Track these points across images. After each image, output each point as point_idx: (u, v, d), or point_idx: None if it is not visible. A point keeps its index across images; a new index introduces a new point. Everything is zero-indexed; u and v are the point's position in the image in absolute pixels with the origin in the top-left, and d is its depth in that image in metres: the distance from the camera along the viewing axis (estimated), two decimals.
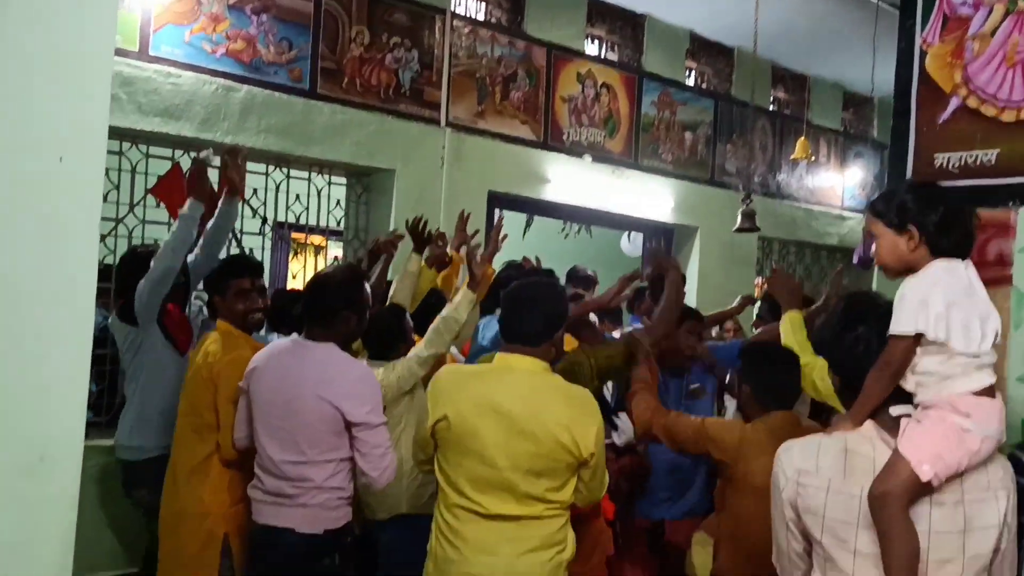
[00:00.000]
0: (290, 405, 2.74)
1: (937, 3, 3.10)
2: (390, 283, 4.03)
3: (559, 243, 7.44)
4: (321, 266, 5.58)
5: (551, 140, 6.45)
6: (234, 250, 5.01)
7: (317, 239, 5.79)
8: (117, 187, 4.59)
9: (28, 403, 1.36)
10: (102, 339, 4.35)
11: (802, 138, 6.86)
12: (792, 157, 7.34)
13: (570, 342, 3.06)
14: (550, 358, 2.56)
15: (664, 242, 7.59)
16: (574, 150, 6.58)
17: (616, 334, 3.77)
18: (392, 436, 3.04)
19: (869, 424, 1.78)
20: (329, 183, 5.52)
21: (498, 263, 4.21)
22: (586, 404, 2.49)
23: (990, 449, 1.72)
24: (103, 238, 4.49)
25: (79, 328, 1.43)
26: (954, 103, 3.21)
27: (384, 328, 3.36)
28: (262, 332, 3.86)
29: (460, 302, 3.29)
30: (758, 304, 5.05)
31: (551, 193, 6.40)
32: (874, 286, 5.70)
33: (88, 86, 1.42)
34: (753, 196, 6.68)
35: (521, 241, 6.96)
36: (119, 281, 3.57)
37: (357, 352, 3.48)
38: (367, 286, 3.02)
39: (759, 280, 8.23)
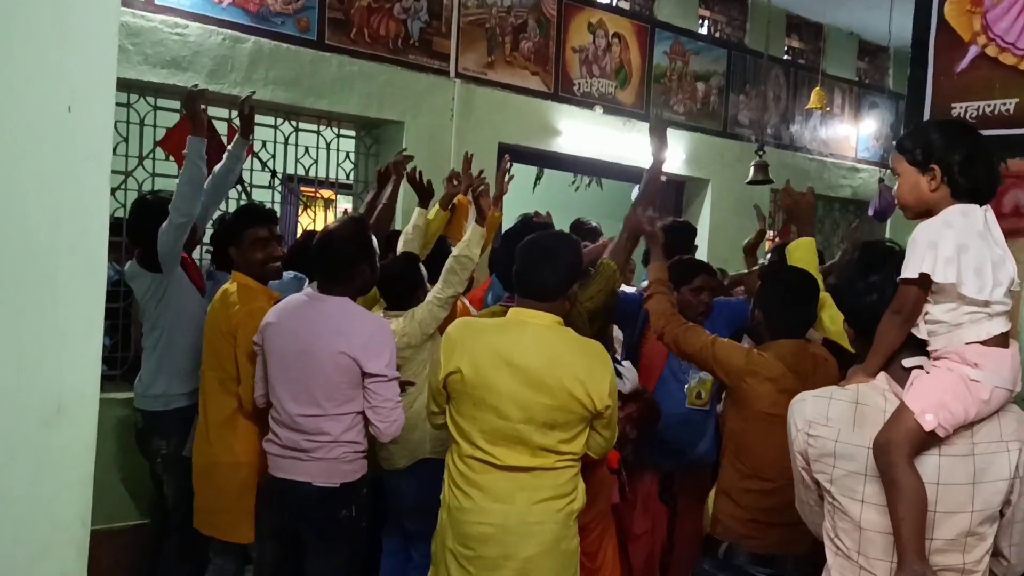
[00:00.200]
0: (307, 359, 2.76)
1: None
2: (396, 233, 4.03)
3: (569, 196, 7.39)
4: (331, 220, 5.57)
5: (562, 91, 6.38)
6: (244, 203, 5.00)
7: (326, 193, 5.77)
8: (126, 140, 4.57)
9: (44, 355, 1.37)
10: (114, 293, 4.38)
11: (817, 88, 6.76)
12: (807, 107, 7.24)
13: None
14: (564, 312, 2.56)
15: (675, 194, 7.54)
16: (585, 101, 6.51)
17: (630, 289, 3.76)
18: (419, 380, 3.07)
19: (882, 376, 1.78)
20: (338, 136, 5.49)
21: (509, 216, 4.21)
22: (599, 357, 2.51)
23: (1002, 399, 1.71)
24: (113, 191, 4.48)
25: (92, 281, 1.43)
26: (973, 52, 3.15)
27: (400, 278, 3.37)
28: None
29: (471, 239, 3.32)
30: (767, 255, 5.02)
31: (561, 145, 6.34)
32: (887, 230, 5.67)
33: (95, 33, 1.41)
34: (766, 148, 6.61)
35: (531, 194, 6.92)
36: (132, 230, 3.51)
37: (371, 304, 3.50)
38: (374, 237, 3.02)
39: (771, 234, 8.18)
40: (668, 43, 7.08)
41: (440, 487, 2.62)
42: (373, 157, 5.68)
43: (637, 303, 3.48)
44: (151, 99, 4.69)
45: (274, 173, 5.23)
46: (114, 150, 3.86)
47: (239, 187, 4.79)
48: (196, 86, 3.43)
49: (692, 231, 4.77)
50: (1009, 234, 2.88)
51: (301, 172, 5.34)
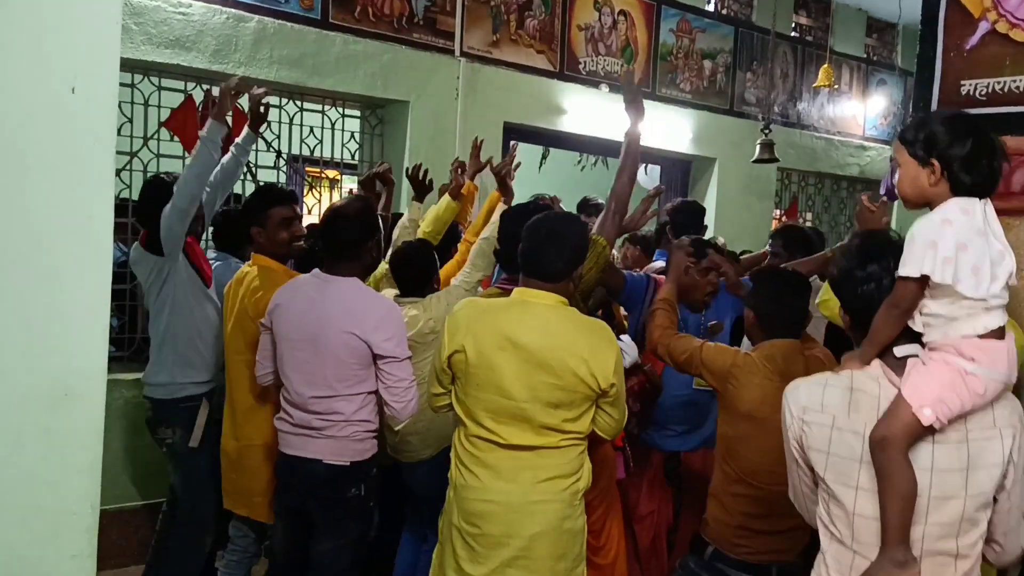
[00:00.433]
0: (318, 340, 2.77)
1: None
2: (396, 216, 4.02)
3: (575, 175, 7.37)
4: (336, 200, 5.56)
5: (567, 70, 6.34)
6: (249, 185, 5.00)
7: (331, 173, 5.76)
8: (130, 120, 4.56)
9: (50, 338, 1.37)
10: (121, 275, 4.38)
11: (825, 65, 6.71)
12: (815, 85, 7.19)
13: None
14: (569, 293, 2.56)
15: (681, 173, 7.50)
16: (591, 80, 6.47)
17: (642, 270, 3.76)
18: None
19: (876, 363, 1.79)
20: (343, 115, 5.47)
21: (517, 196, 4.19)
22: (603, 336, 2.51)
23: (996, 391, 1.72)
24: (118, 172, 4.48)
25: (98, 263, 1.43)
26: (983, 28, 3.12)
27: (415, 264, 3.35)
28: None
29: (497, 221, 3.32)
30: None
31: (567, 124, 6.31)
32: (894, 218, 5.64)
33: (98, 13, 1.40)
34: (773, 126, 6.57)
35: (537, 174, 6.91)
36: (141, 211, 3.45)
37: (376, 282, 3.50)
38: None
39: (777, 213, 8.15)
40: (675, 20, 7.03)
41: None
42: (378, 137, 5.66)
43: (644, 286, 3.47)
44: (155, 79, 4.68)
45: (279, 153, 5.22)
46: (118, 131, 3.84)
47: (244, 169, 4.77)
48: (235, 78, 3.37)
49: (701, 211, 4.75)
50: (1019, 213, 2.86)
51: (306, 152, 5.34)
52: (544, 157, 7.17)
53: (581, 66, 6.42)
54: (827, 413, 1.77)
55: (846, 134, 8.54)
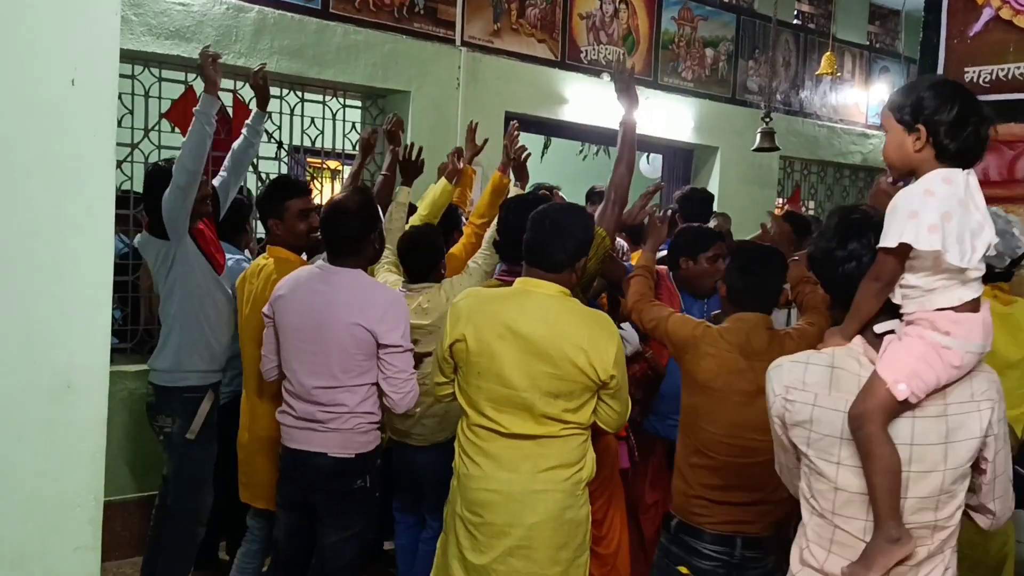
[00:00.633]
0: (322, 332, 2.77)
1: None
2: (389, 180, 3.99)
3: (577, 165, 7.36)
4: (338, 191, 5.55)
5: (568, 59, 6.31)
6: (250, 176, 4.99)
7: (333, 163, 5.75)
8: (131, 112, 4.56)
9: (53, 331, 1.37)
10: (123, 266, 4.39)
11: (828, 53, 6.69)
12: (817, 73, 7.17)
13: None
14: (571, 284, 2.56)
15: (683, 162, 7.49)
16: (592, 69, 6.44)
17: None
18: None
19: (858, 340, 1.80)
20: (344, 106, 5.46)
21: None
22: (604, 327, 2.51)
23: (972, 363, 1.72)
24: (119, 164, 4.47)
25: (99, 256, 1.43)
26: (986, 14, 3.10)
27: (423, 250, 3.35)
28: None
29: None
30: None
31: (569, 113, 6.30)
32: None
33: (97, 4, 1.39)
34: (775, 114, 6.56)
35: (539, 163, 6.89)
36: (147, 197, 3.40)
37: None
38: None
39: (780, 201, 8.14)
40: (676, 8, 7.00)
41: None
42: (387, 116, 5.63)
43: None
44: (155, 70, 4.66)
45: (280, 144, 5.21)
46: (119, 122, 3.84)
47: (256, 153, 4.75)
48: (208, 47, 3.33)
49: (709, 199, 4.76)
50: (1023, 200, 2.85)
51: (307, 143, 5.32)
52: (546, 147, 7.15)
53: (583, 55, 6.39)
54: (809, 391, 1.79)
55: (848, 122, 8.51)
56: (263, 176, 5.09)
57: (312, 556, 2.95)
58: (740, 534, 2.48)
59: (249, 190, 4.92)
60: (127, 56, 4.38)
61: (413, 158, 3.85)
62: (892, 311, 1.75)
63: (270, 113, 5.02)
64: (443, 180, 3.84)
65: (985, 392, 1.76)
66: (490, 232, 3.35)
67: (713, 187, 7.32)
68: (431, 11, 5.52)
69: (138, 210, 4.50)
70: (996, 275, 2.61)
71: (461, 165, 3.89)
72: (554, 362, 2.43)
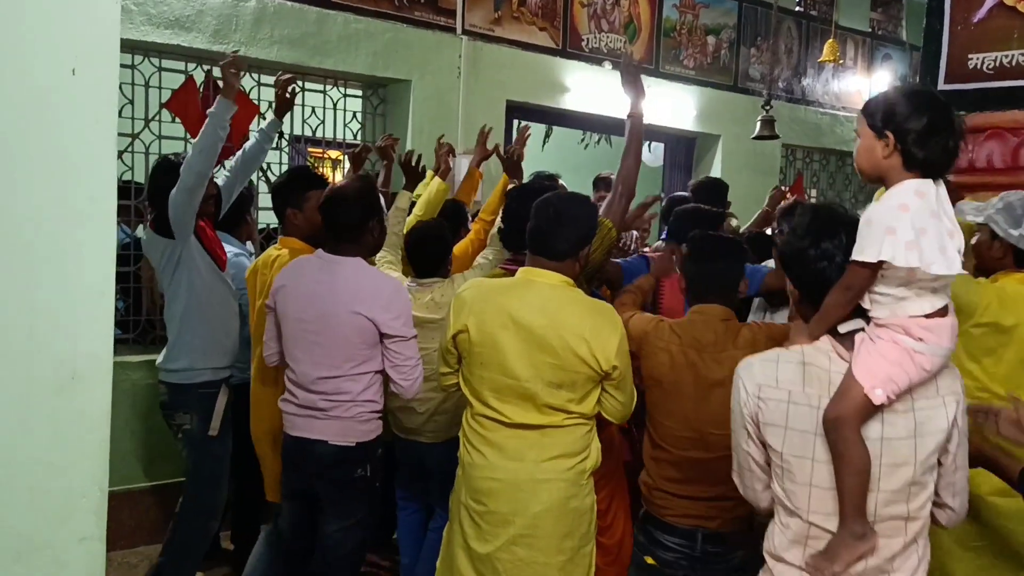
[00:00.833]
0: (324, 321, 2.77)
1: None
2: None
3: (579, 153, 7.34)
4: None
5: (570, 47, 6.29)
6: None
7: (334, 153, 5.74)
8: (131, 102, 4.54)
9: (56, 322, 1.37)
10: (125, 256, 4.38)
11: (830, 40, 6.66)
12: (820, 60, 7.13)
13: None
14: (574, 273, 2.55)
15: (685, 151, 7.47)
16: (594, 57, 6.42)
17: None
18: None
19: (825, 336, 1.82)
20: (345, 95, 5.44)
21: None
22: (607, 317, 2.50)
23: (941, 364, 1.76)
24: (119, 155, 4.47)
25: (102, 246, 1.43)
26: (991, 1, 3.08)
27: (435, 245, 3.37)
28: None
29: None
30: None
31: (570, 102, 6.27)
32: None
33: None
34: (778, 102, 6.54)
35: (540, 152, 6.87)
36: (152, 192, 3.41)
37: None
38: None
39: (784, 189, 8.10)
40: None
41: None
42: (380, 117, 5.63)
43: (642, 269, 3.44)
44: (155, 60, 4.65)
45: (281, 134, 5.19)
46: (119, 112, 3.83)
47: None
48: (237, 52, 3.34)
49: (724, 189, 4.77)
50: None
51: (308, 133, 5.31)
52: (547, 135, 7.13)
53: (584, 43, 6.37)
54: (782, 388, 1.80)
55: (851, 110, 8.47)
56: (264, 166, 5.08)
57: (314, 545, 2.95)
58: (701, 528, 2.48)
59: (251, 180, 4.91)
60: (127, 46, 4.37)
61: (413, 164, 3.84)
62: (857, 310, 1.78)
63: (269, 103, 5.03)
64: (437, 179, 3.83)
65: (949, 387, 1.80)
66: (494, 231, 3.35)
67: (715, 175, 7.30)
68: (431, 0, 5.50)
69: (139, 200, 4.52)
70: None
71: (452, 162, 3.90)
72: (556, 352, 2.43)
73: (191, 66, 4.74)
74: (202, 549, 3.45)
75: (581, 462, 2.52)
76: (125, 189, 4.35)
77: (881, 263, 1.67)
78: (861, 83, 8.55)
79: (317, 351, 2.79)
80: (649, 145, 7.78)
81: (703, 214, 3.57)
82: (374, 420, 2.87)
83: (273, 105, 3.71)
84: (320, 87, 5.31)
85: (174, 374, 3.33)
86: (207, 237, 3.38)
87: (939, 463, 1.81)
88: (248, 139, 3.76)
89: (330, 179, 5.69)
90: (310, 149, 5.61)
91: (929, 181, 1.72)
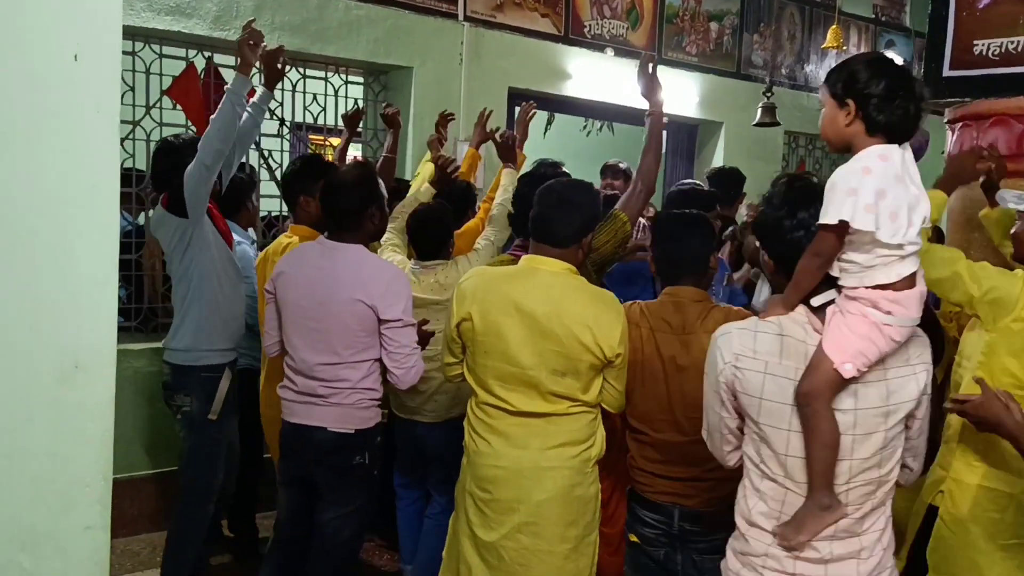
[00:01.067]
0: (325, 307, 2.76)
1: None
2: (404, 183, 3.98)
3: (581, 141, 7.31)
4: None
5: (572, 34, 6.26)
6: (253, 154, 4.96)
7: (335, 140, 5.71)
8: (132, 89, 4.52)
9: (59, 312, 1.36)
10: (126, 244, 4.37)
11: (834, 26, 6.61)
12: (823, 47, 7.09)
13: None
14: (577, 261, 2.55)
15: (688, 138, 7.44)
16: (596, 44, 6.39)
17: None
18: None
19: (802, 308, 1.83)
20: (346, 82, 5.42)
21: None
22: (610, 305, 2.50)
23: (909, 334, 1.79)
24: (121, 141, 4.44)
25: (104, 233, 1.42)
26: None
27: (436, 228, 3.39)
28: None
29: (508, 186, 3.40)
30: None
31: (572, 89, 6.25)
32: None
33: None
34: (781, 88, 6.50)
35: (542, 139, 6.85)
36: (155, 174, 3.39)
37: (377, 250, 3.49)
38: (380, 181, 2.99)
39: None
40: None
41: None
42: (382, 103, 5.61)
43: (642, 267, 3.42)
44: (156, 47, 4.63)
45: (282, 121, 5.18)
46: (121, 99, 3.81)
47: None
48: (253, 21, 3.28)
49: (740, 179, 4.80)
50: None
51: (309, 120, 5.29)
52: (549, 123, 7.11)
53: (586, 29, 6.34)
54: (760, 359, 1.82)
55: None
56: (265, 153, 5.07)
57: (312, 533, 2.95)
58: (678, 505, 2.47)
59: (252, 167, 4.90)
60: (128, 33, 4.34)
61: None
62: (829, 281, 1.79)
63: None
64: (427, 185, 3.69)
65: (920, 356, 1.83)
66: (497, 210, 3.37)
67: (718, 162, 7.27)
68: None
69: (140, 187, 4.50)
70: None
71: (442, 147, 3.91)
72: (560, 340, 2.42)
73: (192, 53, 4.72)
74: (200, 533, 3.44)
75: (586, 450, 2.52)
76: (126, 176, 4.33)
77: (847, 228, 1.68)
78: None
79: (316, 337, 2.78)
80: None
81: (696, 194, 3.59)
82: (373, 407, 2.87)
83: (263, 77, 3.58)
84: (321, 74, 5.29)
85: (178, 354, 3.32)
86: (215, 216, 3.36)
87: (908, 428, 1.85)
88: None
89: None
90: (311, 136, 5.59)
91: (894, 146, 1.73)
